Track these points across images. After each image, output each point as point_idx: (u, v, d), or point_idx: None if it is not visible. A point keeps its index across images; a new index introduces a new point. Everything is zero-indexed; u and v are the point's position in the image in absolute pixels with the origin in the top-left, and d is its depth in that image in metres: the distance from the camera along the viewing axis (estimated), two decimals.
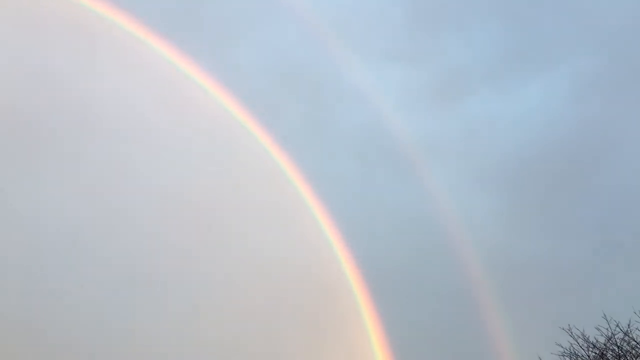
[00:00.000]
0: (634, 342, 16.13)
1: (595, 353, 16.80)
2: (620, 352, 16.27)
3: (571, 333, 17.06)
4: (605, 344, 16.59)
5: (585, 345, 16.91)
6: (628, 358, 16.26)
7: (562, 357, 17.52)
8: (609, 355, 16.52)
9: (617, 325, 16.32)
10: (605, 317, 16.46)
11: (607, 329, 16.45)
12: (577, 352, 17.10)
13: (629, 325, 16.15)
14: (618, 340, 16.35)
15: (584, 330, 17.04)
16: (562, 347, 17.38)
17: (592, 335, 16.95)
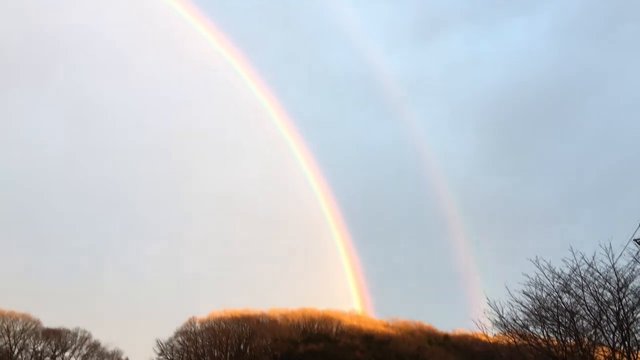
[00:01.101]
0: (597, 274, 16.60)
1: (560, 283, 17.38)
2: (583, 282, 16.81)
3: (538, 264, 17.52)
4: (569, 275, 17.10)
5: (551, 275, 17.44)
6: (591, 288, 16.83)
7: (528, 286, 18.17)
8: (572, 285, 17.08)
9: (583, 257, 16.69)
10: (571, 249, 16.84)
11: (572, 260, 16.83)
12: (542, 282, 17.69)
13: (593, 257, 16.49)
14: (582, 271, 16.79)
15: (550, 262, 17.53)
16: (528, 277, 18.01)
17: (558, 266, 17.43)
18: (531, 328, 18.49)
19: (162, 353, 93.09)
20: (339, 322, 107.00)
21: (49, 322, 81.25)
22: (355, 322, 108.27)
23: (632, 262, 16.23)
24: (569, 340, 17.39)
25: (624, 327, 16.01)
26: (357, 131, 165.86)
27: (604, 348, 17.25)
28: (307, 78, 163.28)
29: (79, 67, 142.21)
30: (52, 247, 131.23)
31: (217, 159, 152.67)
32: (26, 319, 77.94)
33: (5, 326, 75.99)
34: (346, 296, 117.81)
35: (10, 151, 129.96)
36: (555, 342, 17.66)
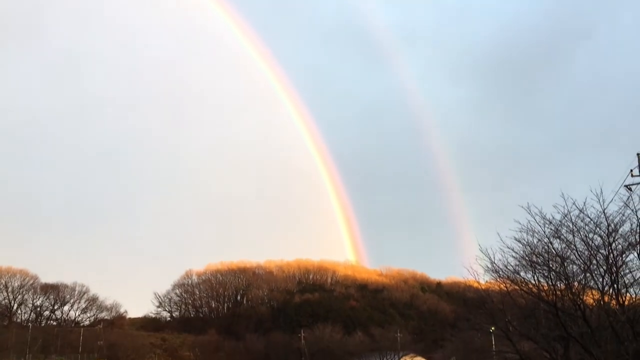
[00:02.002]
0: (588, 219, 16.61)
1: (551, 229, 17.41)
2: (574, 228, 16.86)
3: (529, 211, 17.51)
4: (560, 221, 17.10)
5: (542, 222, 17.44)
6: (581, 233, 16.89)
7: (519, 233, 18.23)
8: (563, 230, 17.12)
9: (574, 203, 16.67)
10: (562, 195, 16.76)
11: (563, 206, 16.81)
12: (533, 228, 17.71)
13: (584, 203, 16.47)
14: (573, 217, 16.79)
15: (541, 208, 17.52)
16: (520, 223, 18.03)
17: (550, 212, 17.40)
18: (522, 273, 18.71)
19: (160, 305, 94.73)
20: (334, 272, 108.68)
21: (47, 277, 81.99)
22: (349, 272, 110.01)
23: (623, 207, 16.26)
24: (559, 285, 17.56)
25: (613, 271, 16.18)
26: (349, 81, 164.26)
27: (594, 291, 17.48)
28: (299, 29, 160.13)
29: (70, 23, 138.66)
30: (48, 201, 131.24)
31: (210, 112, 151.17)
32: (24, 274, 78.49)
33: (4, 282, 76.55)
34: (340, 246, 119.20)
35: (5, 103, 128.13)
36: (546, 287, 17.85)
